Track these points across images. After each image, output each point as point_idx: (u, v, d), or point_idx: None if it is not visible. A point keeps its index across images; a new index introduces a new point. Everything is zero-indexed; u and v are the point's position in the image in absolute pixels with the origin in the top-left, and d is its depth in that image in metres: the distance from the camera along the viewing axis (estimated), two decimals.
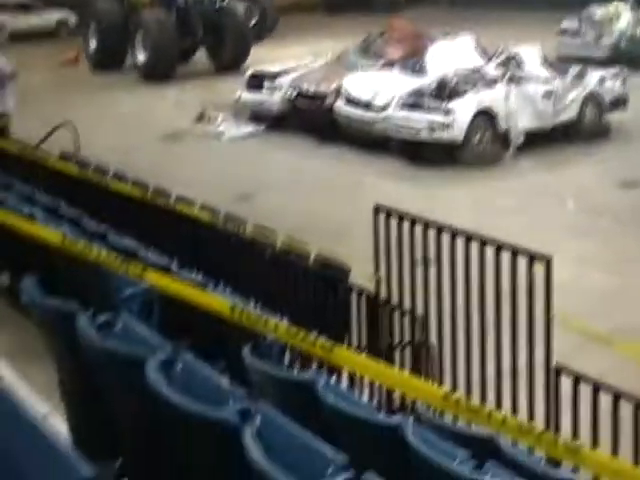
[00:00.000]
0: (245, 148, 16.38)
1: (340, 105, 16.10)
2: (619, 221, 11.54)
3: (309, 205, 12.62)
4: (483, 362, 5.58)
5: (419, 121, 14.56)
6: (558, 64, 16.91)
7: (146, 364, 3.18)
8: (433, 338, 5.95)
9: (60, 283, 4.38)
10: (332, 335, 4.29)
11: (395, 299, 6.02)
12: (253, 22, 26.90)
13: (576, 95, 15.55)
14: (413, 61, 16.76)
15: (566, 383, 5.15)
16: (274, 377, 3.82)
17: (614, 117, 15.90)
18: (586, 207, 12.18)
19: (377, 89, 15.79)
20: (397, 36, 18.46)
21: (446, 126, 14.32)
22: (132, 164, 12.41)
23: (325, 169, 14.71)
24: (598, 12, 21.77)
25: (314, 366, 5.67)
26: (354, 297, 6.34)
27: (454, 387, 5.68)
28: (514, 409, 5.37)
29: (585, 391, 5.02)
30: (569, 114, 15.47)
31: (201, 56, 24.04)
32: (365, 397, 5.81)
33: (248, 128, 17.48)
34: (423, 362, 6.03)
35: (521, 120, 14.82)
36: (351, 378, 5.88)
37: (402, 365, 6.05)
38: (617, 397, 4.88)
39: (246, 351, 3.94)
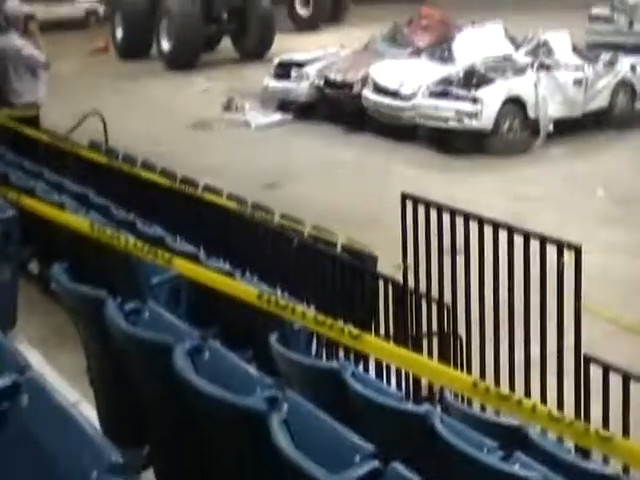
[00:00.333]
0: (272, 136, 16.36)
1: (368, 93, 16.03)
2: None
3: (336, 193, 12.59)
4: (512, 351, 5.54)
5: (447, 109, 14.47)
6: (588, 51, 16.74)
7: (174, 351, 3.18)
8: (461, 327, 5.92)
9: (89, 270, 4.40)
10: (359, 324, 4.28)
11: (423, 287, 5.99)
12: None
13: (607, 82, 15.39)
14: (441, 49, 16.66)
15: (596, 373, 5.11)
16: (301, 365, 3.81)
17: None
18: (617, 195, 12.06)
19: (404, 77, 15.71)
20: (424, 24, 18.35)
21: (474, 114, 14.22)
22: (161, 153, 12.47)
23: (353, 157, 14.66)
24: None
25: (341, 354, 5.68)
26: (381, 285, 6.31)
27: (482, 376, 5.64)
28: (543, 399, 5.33)
29: (615, 380, 4.97)
30: (600, 102, 15.32)
31: (226, 44, 24.05)
32: (393, 385, 5.80)
33: (276, 116, 17.47)
34: (450, 351, 6.00)
35: (551, 108, 14.69)
36: (378, 366, 5.87)
37: (430, 354, 6.02)
38: None
39: (273, 339, 3.93)
